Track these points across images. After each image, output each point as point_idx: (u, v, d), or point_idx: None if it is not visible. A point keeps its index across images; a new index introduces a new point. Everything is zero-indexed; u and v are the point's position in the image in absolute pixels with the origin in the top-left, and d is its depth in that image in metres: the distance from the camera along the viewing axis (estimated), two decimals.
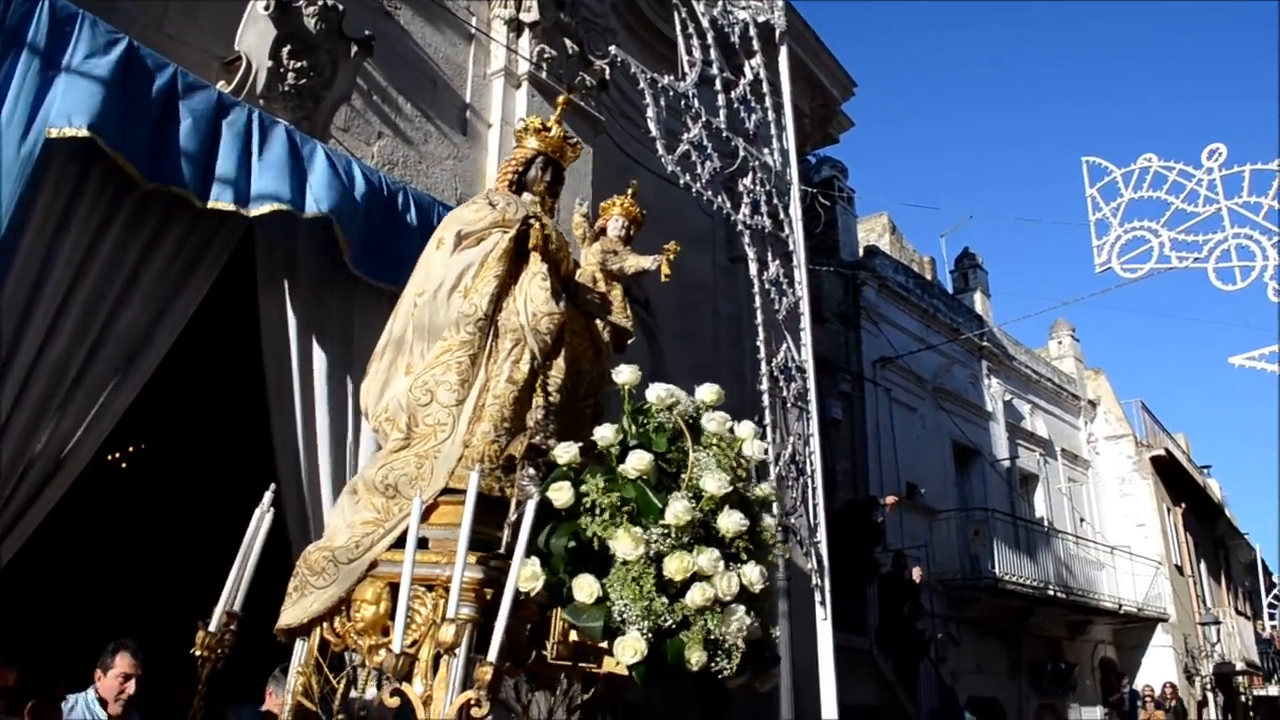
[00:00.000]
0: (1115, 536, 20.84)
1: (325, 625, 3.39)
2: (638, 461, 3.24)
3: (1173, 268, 7.77)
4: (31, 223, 4.18)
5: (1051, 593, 16.81)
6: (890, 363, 15.32)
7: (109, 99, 4.33)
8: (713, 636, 3.04)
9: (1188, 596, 22.55)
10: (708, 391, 3.67)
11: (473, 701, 2.61)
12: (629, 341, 4.31)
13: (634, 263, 4.33)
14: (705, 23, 7.65)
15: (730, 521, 3.22)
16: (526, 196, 4.06)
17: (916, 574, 12.84)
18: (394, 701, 2.74)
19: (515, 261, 3.75)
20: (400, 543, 3.28)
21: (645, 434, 3.43)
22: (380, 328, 5.35)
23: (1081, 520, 20.41)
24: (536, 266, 3.74)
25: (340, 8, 5.77)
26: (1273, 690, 24.70)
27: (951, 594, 15.21)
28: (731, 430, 3.59)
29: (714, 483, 3.27)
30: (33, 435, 4.26)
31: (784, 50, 8.80)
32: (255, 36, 5.58)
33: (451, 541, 3.11)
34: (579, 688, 3.45)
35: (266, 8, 5.51)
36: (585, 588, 3.02)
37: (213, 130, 4.82)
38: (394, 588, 3.19)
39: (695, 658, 3.00)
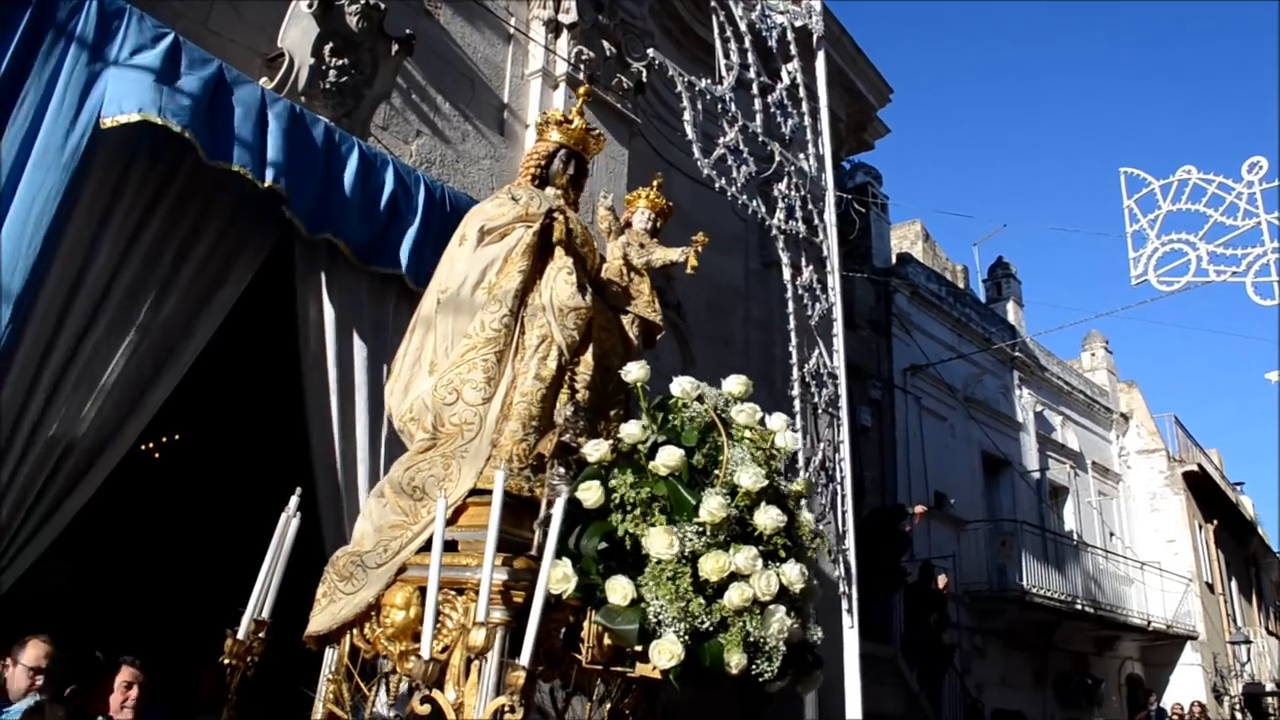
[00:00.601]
0: (1145, 552, 20.62)
1: (355, 631, 3.34)
2: (668, 457, 3.15)
3: (1210, 281, 7.69)
4: (76, 214, 4.24)
5: (1079, 607, 16.66)
6: (921, 371, 15.24)
7: (159, 87, 4.38)
8: (752, 639, 2.94)
9: (1218, 614, 22.27)
10: (735, 383, 3.58)
11: (506, 708, 2.55)
12: (658, 336, 4.24)
13: (661, 255, 4.25)
14: (743, 26, 7.65)
15: (768, 518, 3.12)
16: (550, 191, 3.99)
17: (943, 583, 12.76)
18: (425, 709, 2.68)
19: (540, 256, 3.69)
20: (429, 546, 3.20)
21: (673, 429, 3.35)
22: None
23: (1111, 535, 20.21)
24: (562, 261, 3.67)
25: (382, 6, 5.82)
26: None
27: (978, 605, 15.10)
28: (762, 422, 3.50)
29: (749, 477, 3.16)
30: (72, 424, 4.31)
31: (821, 55, 8.78)
32: (298, 34, 5.63)
33: (481, 543, 3.07)
34: (616, 692, 3.36)
35: (310, 5, 5.56)
36: (619, 589, 2.93)
37: (261, 118, 4.87)
38: (424, 592, 3.15)
39: (735, 660, 2.91)
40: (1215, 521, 22.96)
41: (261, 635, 3.24)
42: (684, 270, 4.23)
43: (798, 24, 8.08)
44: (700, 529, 3.02)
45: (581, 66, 7.63)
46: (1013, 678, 15.89)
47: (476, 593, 2.92)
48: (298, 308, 5.28)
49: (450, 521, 3.01)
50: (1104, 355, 22.79)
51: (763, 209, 7.55)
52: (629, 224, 4.42)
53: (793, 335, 7.06)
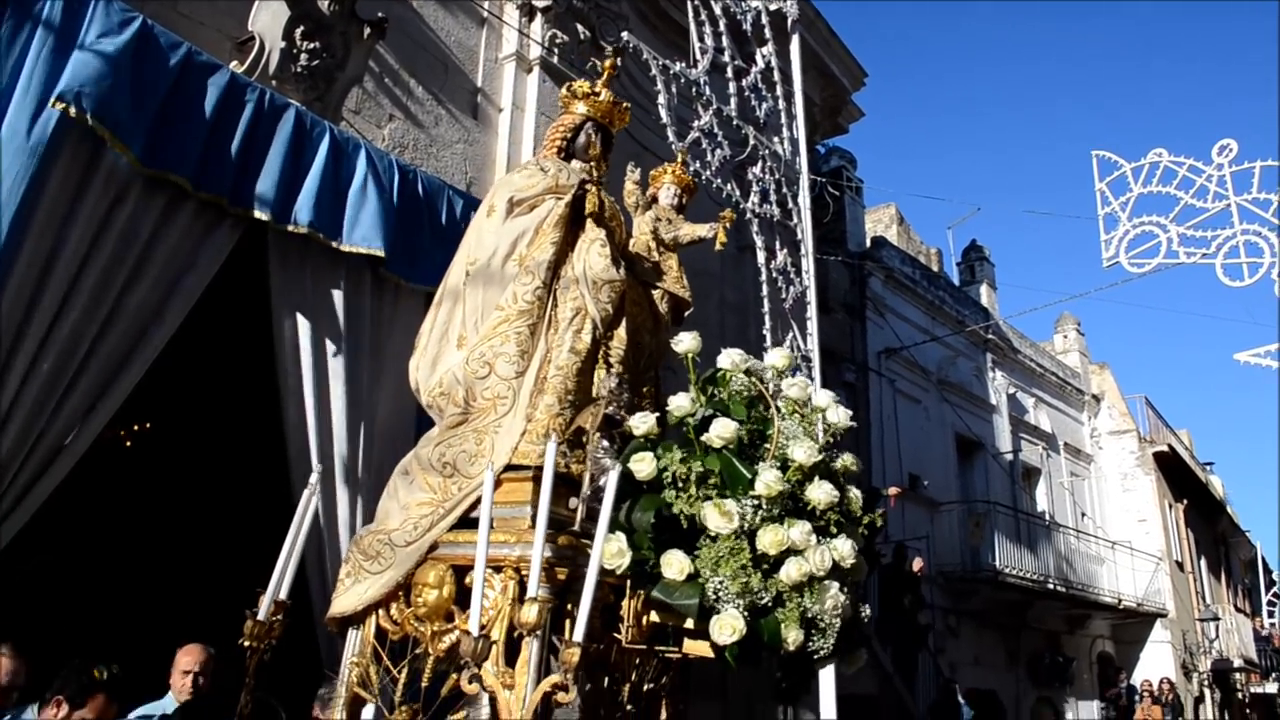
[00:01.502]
0: (1116, 531, 20.86)
1: (381, 612, 3.26)
2: (722, 430, 3.06)
3: (1180, 263, 7.77)
4: (44, 200, 4.18)
5: (1051, 586, 16.84)
6: (895, 354, 15.32)
7: (118, 80, 4.33)
8: (810, 614, 2.90)
9: (1187, 593, 22.57)
10: (778, 356, 3.53)
11: (559, 686, 2.48)
12: (687, 313, 4.19)
13: (689, 231, 4.22)
14: (717, 10, 7.65)
15: (821, 492, 3.05)
16: (576, 164, 3.89)
17: (917, 565, 12.86)
18: (474, 688, 2.61)
19: (570, 229, 3.62)
20: (462, 523, 3.19)
21: (721, 403, 3.26)
22: (398, 313, 5.32)
23: (1083, 515, 20.43)
24: (595, 233, 3.60)
25: None
26: (1270, 688, 24.75)
27: (952, 586, 15.24)
28: (810, 398, 3.43)
29: (803, 451, 3.08)
30: (40, 411, 4.27)
31: (795, 39, 8.79)
32: (269, 17, 5.58)
33: (519, 520, 3.05)
34: (653, 673, 3.30)
35: None
36: (675, 564, 2.86)
37: (219, 117, 4.82)
38: (457, 570, 3.11)
39: (793, 637, 2.85)
40: (1185, 501, 23.25)
41: (280, 617, 3.13)
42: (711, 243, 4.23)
43: (772, 8, 8.09)
44: (756, 503, 2.95)
45: (555, 50, 7.60)
46: (986, 657, 16.06)
47: (515, 570, 2.89)
48: (271, 293, 5.24)
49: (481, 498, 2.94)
50: (1076, 337, 22.98)
51: (737, 192, 7.57)
52: (655, 199, 4.40)
53: (767, 319, 7.10)
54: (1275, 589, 27.18)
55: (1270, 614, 26.65)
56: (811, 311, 7.78)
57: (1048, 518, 18.78)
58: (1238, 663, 23.51)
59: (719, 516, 2.88)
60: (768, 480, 2.95)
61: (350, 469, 5.30)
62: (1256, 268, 7.34)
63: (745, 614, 2.80)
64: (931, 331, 16.40)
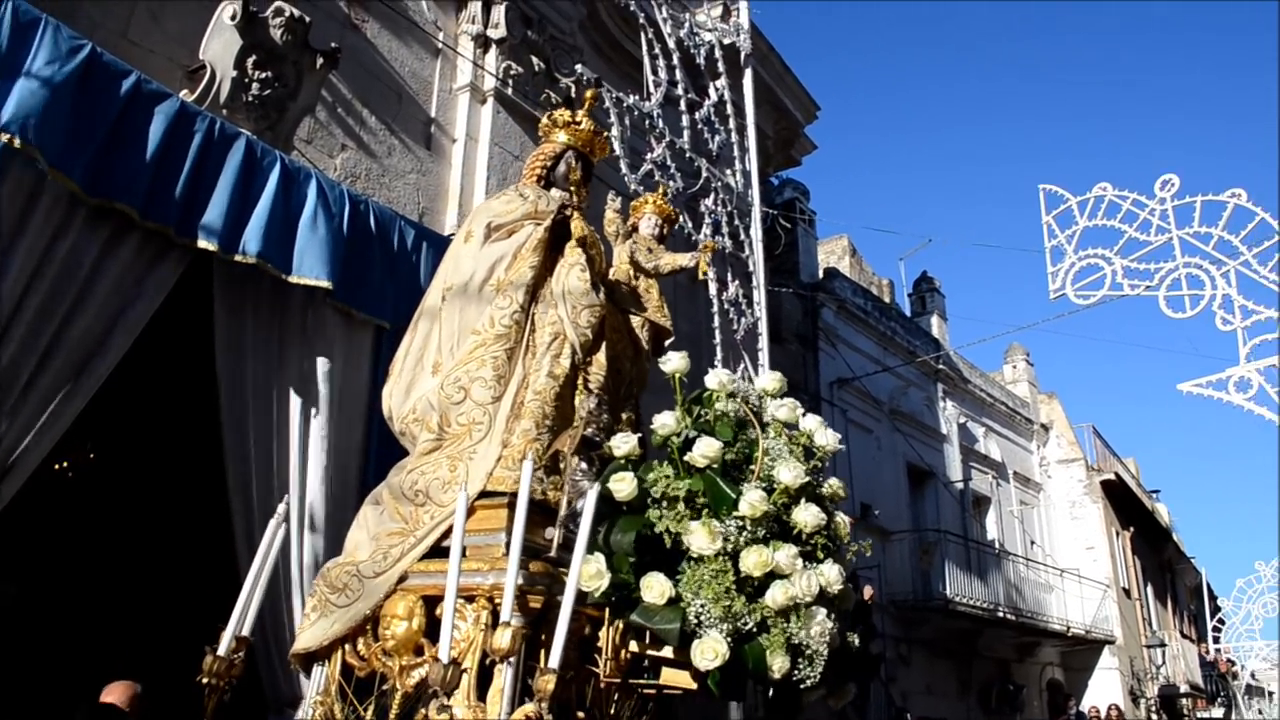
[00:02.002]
0: (1065, 559, 21.07)
1: (348, 647, 3.17)
2: (707, 448, 3.00)
3: (1125, 295, 7.91)
4: None
5: (1001, 614, 16.97)
6: (847, 384, 15.42)
7: (60, 108, 4.28)
8: (795, 640, 2.79)
9: (1134, 619, 22.84)
10: (770, 380, 3.51)
11: (535, 716, 2.39)
12: (667, 342, 4.18)
13: (670, 260, 4.22)
14: (671, 44, 7.72)
15: (809, 515, 2.99)
16: (555, 192, 3.87)
17: (868, 594, 12.91)
18: (443, 718, 2.51)
19: (549, 253, 3.58)
20: (434, 553, 3.10)
21: (706, 424, 3.21)
22: (351, 344, 5.25)
23: (1032, 543, 20.63)
24: (574, 257, 3.56)
25: (307, 19, 5.76)
26: (1216, 713, 25.06)
27: (903, 614, 15.30)
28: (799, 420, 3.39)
29: (789, 473, 3.01)
30: None
31: (749, 73, 8.89)
32: (220, 46, 5.55)
33: (492, 548, 2.96)
34: (632, 710, 3.20)
35: (233, 17, 5.49)
36: (656, 587, 2.76)
37: (168, 145, 4.77)
38: (427, 601, 3.02)
39: (778, 664, 2.76)
40: (1132, 529, 23.55)
41: (241, 654, 2.99)
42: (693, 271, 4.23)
43: (726, 42, 8.18)
44: (740, 524, 2.88)
45: (510, 81, 7.63)
46: (937, 685, 16.13)
47: (488, 600, 2.79)
48: (215, 323, 5.18)
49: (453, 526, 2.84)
50: (1025, 367, 23.28)
51: (690, 224, 7.61)
52: (636, 229, 4.41)
53: (719, 349, 7.13)
54: (1220, 615, 27.59)
55: (1215, 640, 27.02)
56: (763, 343, 7.83)
57: (997, 546, 18.94)
58: (1184, 688, 23.78)
59: (705, 536, 2.81)
60: (752, 500, 2.89)
61: (297, 500, 5.24)
62: (1198, 300, 7.49)
63: (729, 639, 2.72)
64: (883, 362, 16.54)
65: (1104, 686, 20.54)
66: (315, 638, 3.21)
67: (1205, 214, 7.69)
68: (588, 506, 2.68)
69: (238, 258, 4.95)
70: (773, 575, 2.86)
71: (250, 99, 5.56)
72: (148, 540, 7.51)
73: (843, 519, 3.30)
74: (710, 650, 2.69)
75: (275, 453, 5.23)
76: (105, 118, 4.51)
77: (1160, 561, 27.02)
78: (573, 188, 3.94)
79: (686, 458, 3.04)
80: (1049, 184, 8.35)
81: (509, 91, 7.62)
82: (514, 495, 2.86)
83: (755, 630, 2.81)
